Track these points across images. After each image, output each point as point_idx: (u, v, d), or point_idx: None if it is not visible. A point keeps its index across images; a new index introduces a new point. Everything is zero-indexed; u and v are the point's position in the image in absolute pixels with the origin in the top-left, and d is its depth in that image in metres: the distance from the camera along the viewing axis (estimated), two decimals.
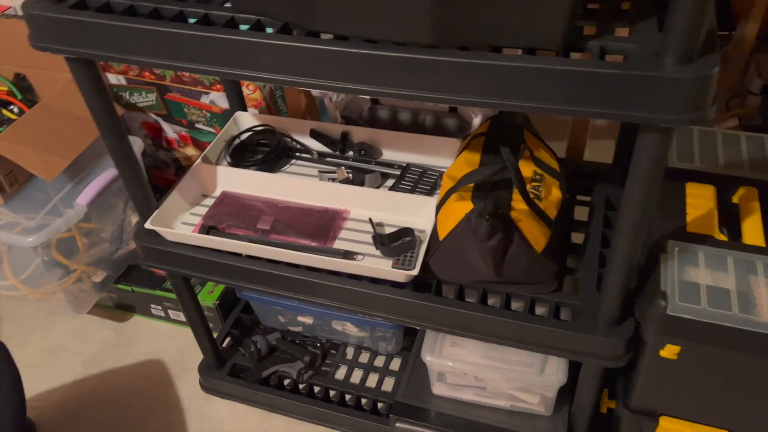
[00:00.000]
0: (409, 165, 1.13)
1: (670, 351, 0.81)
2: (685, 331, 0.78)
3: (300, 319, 1.33)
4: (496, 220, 0.82)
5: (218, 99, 1.42)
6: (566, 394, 1.05)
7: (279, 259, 0.99)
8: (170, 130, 1.56)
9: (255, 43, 0.69)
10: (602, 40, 0.64)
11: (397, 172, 1.12)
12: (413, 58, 0.64)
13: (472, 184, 0.91)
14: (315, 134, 1.19)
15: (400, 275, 0.92)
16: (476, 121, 1.16)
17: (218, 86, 1.39)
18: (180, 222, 1.08)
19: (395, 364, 1.32)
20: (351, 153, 1.17)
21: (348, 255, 0.98)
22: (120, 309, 1.54)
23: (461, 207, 0.88)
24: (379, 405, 1.23)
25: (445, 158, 1.12)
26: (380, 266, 0.96)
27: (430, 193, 1.08)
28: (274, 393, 1.27)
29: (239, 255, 1.02)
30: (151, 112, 1.53)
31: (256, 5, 0.73)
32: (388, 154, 1.17)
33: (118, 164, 0.95)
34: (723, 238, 0.85)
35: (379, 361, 1.33)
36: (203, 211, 1.09)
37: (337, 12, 0.66)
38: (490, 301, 0.93)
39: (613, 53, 0.63)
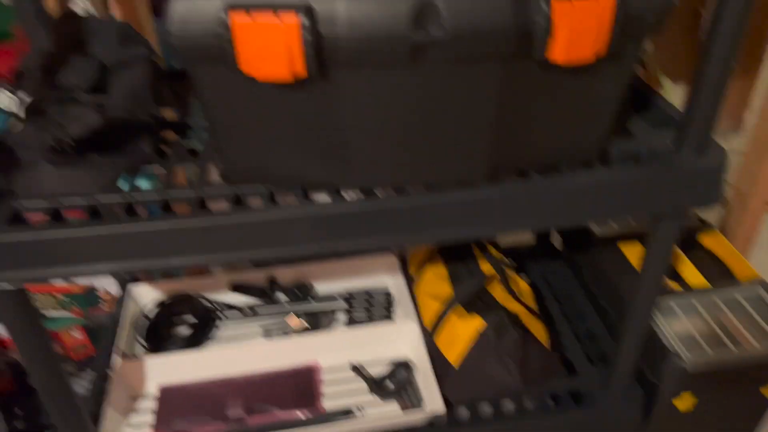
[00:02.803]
0: (351, 293, 1.06)
1: (685, 400, 0.88)
2: (700, 382, 0.86)
3: None
4: (521, 329, 0.82)
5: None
6: None
7: None
8: (1, 328, 1.24)
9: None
10: (619, 144, 0.69)
11: (344, 304, 1.05)
12: (478, 197, 0.62)
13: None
14: (238, 288, 1.05)
15: (425, 418, 0.85)
16: None
17: None
18: None
19: None
20: (284, 297, 1.06)
21: (349, 413, 0.88)
22: None
23: (469, 326, 0.85)
24: None
25: (385, 276, 1.09)
26: (395, 414, 0.87)
27: (388, 316, 1.02)
28: None
29: None
30: None
31: (249, 168, 0.63)
32: (322, 287, 1.08)
33: (51, 402, 0.72)
34: (676, 285, 0.96)
35: None
36: (143, 419, 0.88)
37: (378, 163, 0.60)
38: (505, 410, 0.91)
39: (628, 156, 0.68)
